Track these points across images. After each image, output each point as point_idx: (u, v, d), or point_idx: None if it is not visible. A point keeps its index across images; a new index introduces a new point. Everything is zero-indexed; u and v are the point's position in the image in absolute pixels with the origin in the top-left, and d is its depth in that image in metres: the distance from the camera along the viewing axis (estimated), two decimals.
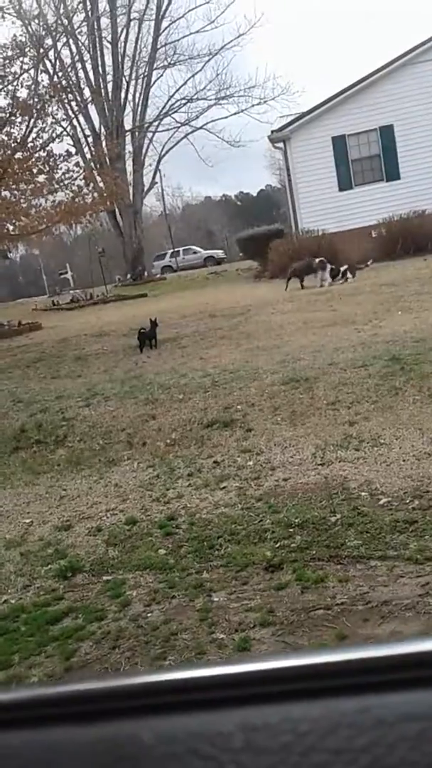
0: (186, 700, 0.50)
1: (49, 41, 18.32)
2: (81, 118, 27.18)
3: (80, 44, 26.96)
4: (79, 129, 26.80)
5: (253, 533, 3.70)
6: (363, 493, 3.94)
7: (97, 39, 27.43)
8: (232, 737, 0.47)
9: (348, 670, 0.50)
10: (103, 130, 27.66)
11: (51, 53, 19.75)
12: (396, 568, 3.09)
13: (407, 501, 3.73)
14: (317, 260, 13.95)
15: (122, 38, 27.95)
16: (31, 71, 15.04)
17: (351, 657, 0.51)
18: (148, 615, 3.15)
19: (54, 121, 15.63)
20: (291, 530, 3.63)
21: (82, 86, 27.33)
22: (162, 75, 30.82)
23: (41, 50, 15.89)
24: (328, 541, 3.45)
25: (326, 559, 3.30)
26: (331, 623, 2.80)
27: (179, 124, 29.13)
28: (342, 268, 13.78)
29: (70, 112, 24.33)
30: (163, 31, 28.31)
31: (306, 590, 3.06)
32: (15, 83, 14.57)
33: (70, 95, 24.23)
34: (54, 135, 15.42)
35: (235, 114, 29.15)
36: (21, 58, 14.58)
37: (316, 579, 3.12)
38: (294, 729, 0.46)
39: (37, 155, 15.04)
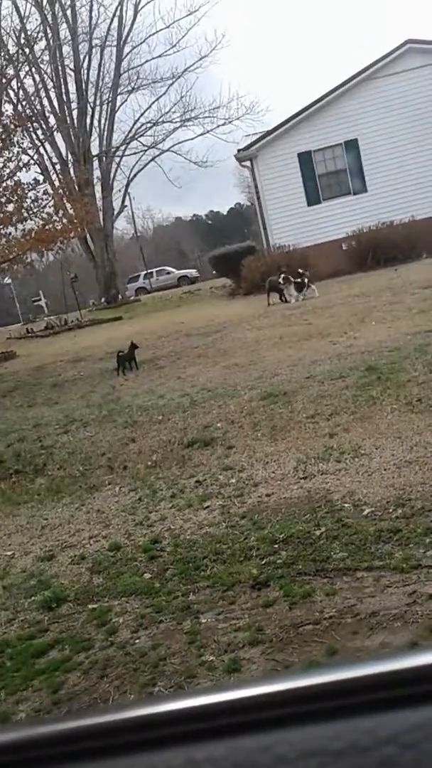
0: (88, 747, 0.50)
1: (11, 71, 18.37)
2: (47, 146, 27.27)
3: (43, 72, 27.14)
4: (46, 156, 26.87)
5: (238, 551, 3.67)
6: (346, 505, 3.93)
7: (59, 67, 27.59)
8: None
9: (246, 707, 0.50)
10: (70, 156, 27.75)
11: (14, 83, 19.82)
12: (383, 579, 3.07)
13: (390, 510, 3.72)
14: (281, 277, 13.94)
15: (85, 65, 28.16)
16: None
17: (250, 693, 0.51)
18: (136, 641, 3.09)
19: (20, 150, 15.68)
20: (276, 546, 3.61)
21: (47, 114, 27.46)
22: (126, 99, 31.09)
23: (3, 80, 15.92)
24: (314, 554, 3.43)
25: (313, 573, 3.27)
26: (320, 638, 2.77)
27: (146, 148, 29.36)
28: (305, 280, 13.81)
29: (36, 141, 24.42)
30: (126, 56, 28.56)
31: (294, 606, 3.03)
32: None
33: (35, 123, 24.35)
34: (21, 164, 15.47)
35: (201, 135, 29.40)
36: None
37: (304, 594, 3.09)
38: None
39: (4, 184, 15.04)
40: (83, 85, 28.04)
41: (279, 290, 14.00)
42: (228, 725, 0.49)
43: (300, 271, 14.05)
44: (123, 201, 30.56)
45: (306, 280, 13.77)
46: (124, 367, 9.42)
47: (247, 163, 20.11)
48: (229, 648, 2.86)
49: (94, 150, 28.66)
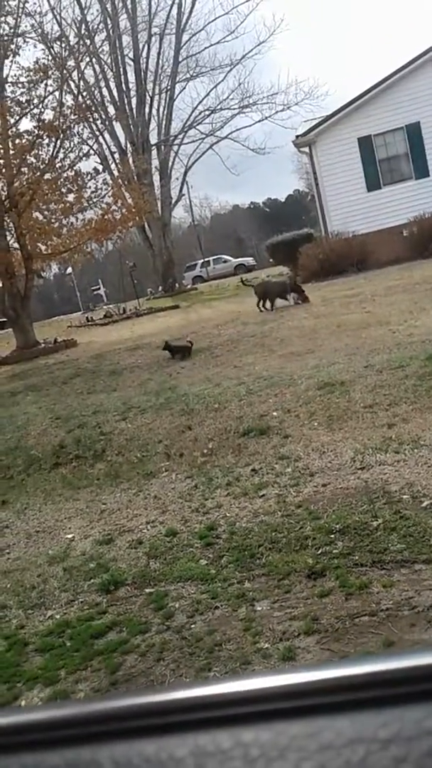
0: (144, 725, 0.51)
1: (72, 62, 18.59)
2: (107, 136, 27.57)
3: (103, 63, 27.39)
4: (105, 146, 27.16)
5: (294, 540, 3.66)
6: (404, 496, 3.87)
7: (119, 57, 27.80)
8: (184, 763, 0.47)
9: (296, 692, 0.50)
10: (129, 146, 27.97)
11: (74, 74, 20.04)
12: None
13: None
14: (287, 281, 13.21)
15: (144, 54, 28.30)
16: (56, 93, 15.29)
17: (299, 680, 0.51)
18: (192, 626, 3.13)
19: (80, 140, 15.90)
20: (332, 536, 3.59)
21: (107, 104, 27.74)
22: (185, 88, 31.12)
23: (65, 71, 16.13)
24: (371, 546, 3.39)
25: (369, 565, 3.24)
26: (376, 630, 2.75)
27: (204, 135, 29.30)
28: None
29: (95, 131, 24.67)
30: (184, 44, 28.54)
31: (350, 597, 3.02)
32: (40, 106, 14.85)
33: (95, 114, 24.59)
34: (81, 154, 15.70)
35: (259, 122, 29.07)
36: (45, 81, 14.85)
37: (360, 585, 3.07)
38: (245, 754, 0.47)
39: (65, 175, 15.29)
40: (142, 74, 28.20)
41: (273, 299, 13.02)
42: (277, 710, 0.50)
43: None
44: (181, 190, 30.69)
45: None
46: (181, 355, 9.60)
47: (306, 149, 19.84)
48: (284, 636, 2.86)
49: (153, 139, 28.83)
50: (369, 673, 0.50)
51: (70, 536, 4.62)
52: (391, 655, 0.52)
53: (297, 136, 20.15)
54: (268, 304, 12.91)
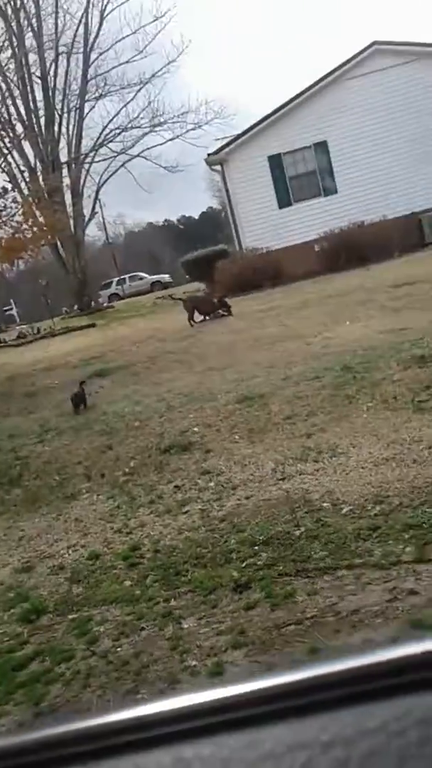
0: (78, 751, 0.50)
1: None
2: (15, 154, 27.02)
3: (9, 81, 26.90)
4: (14, 165, 26.63)
5: (218, 555, 3.65)
6: (325, 504, 3.93)
7: (26, 75, 27.38)
8: None
9: (233, 705, 0.50)
10: (38, 164, 27.54)
11: None
12: (363, 576, 3.08)
13: (369, 508, 3.74)
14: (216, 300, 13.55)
15: (51, 72, 27.94)
16: None
17: (234, 692, 0.51)
18: (118, 650, 3.06)
19: None
20: (256, 548, 3.60)
21: (14, 122, 27.20)
22: (95, 106, 30.81)
23: None
24: (294, 555, 3.42)
25: (294, 574, 3.27)
26: (303, 638, 2.76)
27: (115, 154, 29.17)
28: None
29: (3, 149, 24.21)
30: (92, 63, 28.39)
31: (276, 607, 3.03)
32: None
33: (2, 132, 24.15)
34: None
35: (170, 140, 29.17)
36: None
37: (285, 595, 3.08)
38: None
39: None
40: (50, 92, 27.86)
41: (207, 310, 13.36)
42: (215, 724, 0.49)
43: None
44: (93, 208, 30.35)
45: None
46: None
47: (218, 167, 20.13)
48: (211, 652, 2.84)
49: (63, 157, 28.48)
50: (301, 680, 0.51)
51: None
52: (322, 662, 0.53)
53: (208, 155, 20.43)
54: (197, 318, 13.11)
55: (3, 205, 15.11)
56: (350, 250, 16.83)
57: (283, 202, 19.43)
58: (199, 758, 0.47)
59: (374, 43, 18.74)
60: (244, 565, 3.46)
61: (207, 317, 13.16)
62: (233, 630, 2.93)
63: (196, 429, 5.93)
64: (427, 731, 0.45)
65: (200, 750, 0.48)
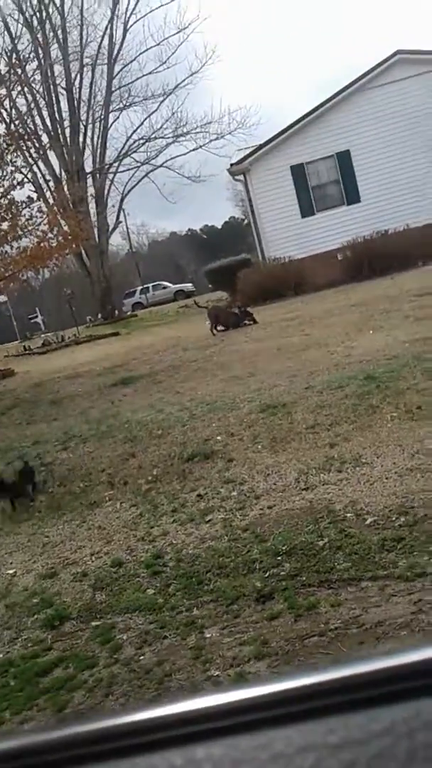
0: (95, 751, 0.52)
1: (3, 91, 18.48)
2: (41, 164, 27.39)
3: (35, 92, 27.29)
4: (39, 174, 26.99)
5: (241, 564, 3.64)
6: (349, 515, 3.91)
7: (51, 86, 27.78)
8: None
9: (245, 708, 0.52)
10: (63, 174, 27.88)
11: (6, 102, 19.92)
12: (387, 588, 3.05)
13: (393, 518, 3.71)
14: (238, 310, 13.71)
15: (76, 83, 28.35)
16: None
17: (247, 695, 0.52)
18: (140, 658, 3.07)
19: (14, 168, 15.73)
20: (279, 558, 3.59)
21: (40, 132, 27.59)
22: (119, 117, 31.23)
23: None
24: (318, 566, 3.41)
25: (317, 585, 3.25)
26: (326, 649, 2.75)
27: (139, 164, 29.47)
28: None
29: (29, 159, 24.51)
30: (117, 74, 28.74)
31: (299, 618, 3.01)
32: None
33: (28, 142, 24.45)
34: (15, 182, 15.49)
35: (193, 150, 29.38)
36: None
37: (308, 605, 3.07)
38: None
39: None
40: (75, 103, 28.25)
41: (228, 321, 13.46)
42: (227, 726, 0.51)
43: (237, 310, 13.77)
44: (117, 217, 30.69)
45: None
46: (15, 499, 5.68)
47: (241, 177, 20.22)
48: (234, 662, 2.83)
49: (88, 167, 28.85)
50: (311, 685, 0.51)
51: (11, 572, 4.47)
52: (332, 666, 0.54)
53: (231, 164, 20.54)
54: (220, 327, 13.17)
55: (29, 214, 15.31)
56: (373, 259, 16.79)
57: (306, 211, 19.44)
58: (210, 759, 0.48)
59: (398, 52, 18.72)
60: (266, 575, 3.45)
61: (229, 328, 13.21)
62: (256, 640, 2.92)
63: (218, 438, 5.94)
64: None
65: (211, 751, 0.49)
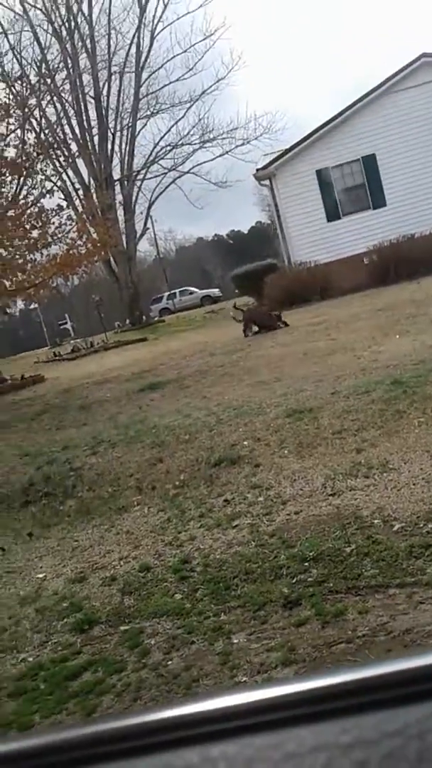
0: (112, 750, 0.54)
1: (33, 101, 18.81)
2: (70, 172, 27.72)
3: (64, 101, 27.65)
4: (68, 182, 27.32)
5: (268, 570, 3.65)
6: (376, 521, 3.90)
7: (80, 95, 28.11)
8: None
9: (260, 708, 0.53)
10: (92, 181, 28.17)
11: (36, 112, 20.24)
12: (415, 595, 3.04)
13: (421, 525, 3.69)
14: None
15: (105, 92, 28.63)
16: (18, 131, 15.41)
17: (261, 696, 0.54)
18: (168, 663, 3.09)
19: (43, 177, 15.98)
20: (306, 564, 3.59)
21: (69, 141, 27.94)
22: (146, 124, 31.29)
23: (26, 110, 16.29)
24: (345, 572, 3.40)
25: (344, 591, 3.25)
26: (354, 657, 2.74)
27: (166, 170, 29.65)
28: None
29: (58, 167, 24.83)
30: (144, 81, 28.98)
31: (326, 625, 3.01)
32: (2, 144, 14.93)
33: (57, 151, 24.79)
34: (44, 191, 15.75)
35: (220, 156, 29.49)
36: (7, 119, 14.95)
37: (336, 612, 3.07)
38: None
39: (29, 211, 15.32)
40: (103, 111, 28.54)
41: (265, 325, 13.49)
42: (242, 726, 0.52)
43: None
44: (145, 223, 30.89)
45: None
46: None
47: (267, 182, 20.25)
48: (261, 668, 2.84)
49: (116, 174, 29.09)
50: (325, 687, 0.53)
51: (41, 575, 4.54)
52: (346, 668, 0.55)
53: (257, 170, 20.57)
54: (254, 329, 13.33)
55: (58, 222, 15.51)
56: (400, 263, 16.67)
57: (332, 215, 19.39)
58: (225, 757, 0.50)
59: (423, 55, 18.60)
60: (294, 581, 3.46)
61: (260, 331, 13.29)
62: (283, 647, 2.93)
63: (245, 443, 5.95)
64: None
65: (226, 749, 0.50)
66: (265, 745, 0.50)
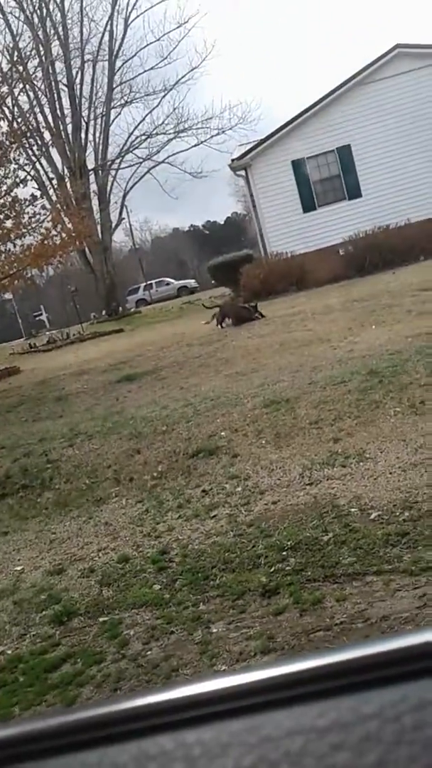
0: (87, 738, 0.53)
1: (5, 88, 18.52)
2: (44, 161, 27.42)
3: (37, 89, 27.27)
4: (42, 172, 27.01)
5: (246, 560, 3.68)
6: (353, 509, 3.94)
7: (53, 83, 27.76)
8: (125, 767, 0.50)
9: (236, 694, 0.53)
10: (66, 171, 27.87)
11: (8, 100, 19.93)
12: (392, 582, 3.08)
13: (397, 513, 3.73)
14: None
15: (78, 80, 28.30)
16: None
17: (238, 682, 0.54)
18: (148, 653, 3.10)
19: (17, 166, 15.74)
20: (284, 553, 3.62)
21: (42, 130, 27.59)
22: (120, 113, 31.08)
23: None
24: (323, 560, 3.44)
25: (322, 580, 3.28)
26: (332, 644, 2.77)
27: (141, 160, 29.44)
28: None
29: (32, 156, 24.55)
30: (118, 70, 28.68)
31: (304, 613, 3.04)
32: None
33: (30, 140, 24.48)
34: (17, 180, 15.50)
35: (194, 146, 29.38)
36: None
37: (314, 600, 3.10)
38: (186, 754, 0.49)
39: (2, 201, 15.10)
40: (77, 100, 28.21)
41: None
42: (218, 711, 0.52)
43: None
44: (120, 213, 30.65)
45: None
46: None
47: (242, 173, 20.20)
48: (240, 657, 2.86)
49: (90, 164, 28.81)
50: (301, 671, 0.53)
51: (19, 568, 4.51)
52: (322, 652, 0.55)
53: (232, 160, 20.51)
54: (227, 321, 13.31)
55: (32, 212, 15.32)
56: (375, 254, 16.77)
57: (308, 206, 19.42)
58: (200, 743, 0.49)
59: (397, 46, 18.66)
60: (272, 570, 3.48)
61: (240, 323, 13.28)
62: (262, 635, 2.95)
63: (223, 433, 5.97)
64: (422, 716, 0.47)
65: (202, 735, 0.50)
66: (242, 729, 0.50)
